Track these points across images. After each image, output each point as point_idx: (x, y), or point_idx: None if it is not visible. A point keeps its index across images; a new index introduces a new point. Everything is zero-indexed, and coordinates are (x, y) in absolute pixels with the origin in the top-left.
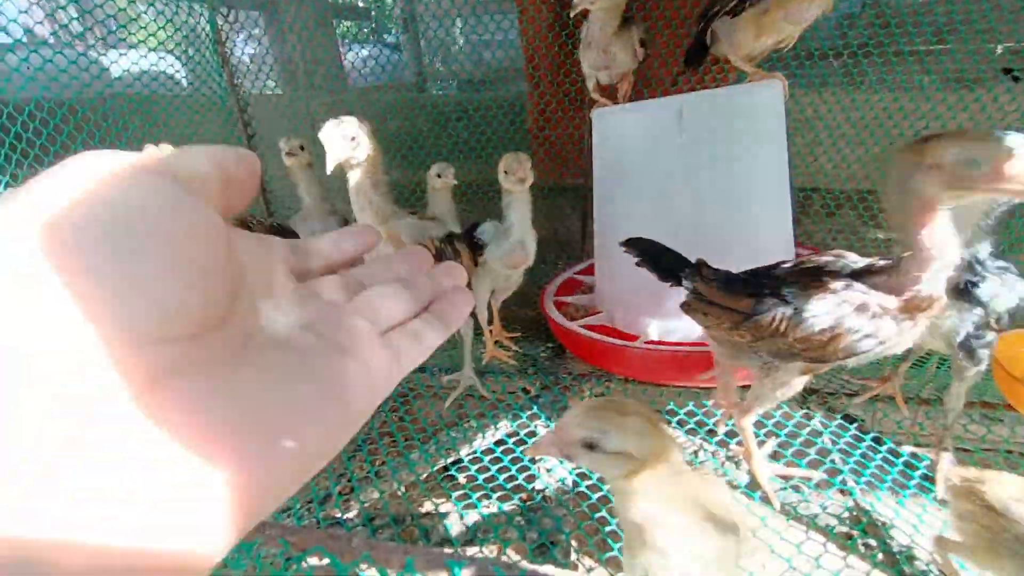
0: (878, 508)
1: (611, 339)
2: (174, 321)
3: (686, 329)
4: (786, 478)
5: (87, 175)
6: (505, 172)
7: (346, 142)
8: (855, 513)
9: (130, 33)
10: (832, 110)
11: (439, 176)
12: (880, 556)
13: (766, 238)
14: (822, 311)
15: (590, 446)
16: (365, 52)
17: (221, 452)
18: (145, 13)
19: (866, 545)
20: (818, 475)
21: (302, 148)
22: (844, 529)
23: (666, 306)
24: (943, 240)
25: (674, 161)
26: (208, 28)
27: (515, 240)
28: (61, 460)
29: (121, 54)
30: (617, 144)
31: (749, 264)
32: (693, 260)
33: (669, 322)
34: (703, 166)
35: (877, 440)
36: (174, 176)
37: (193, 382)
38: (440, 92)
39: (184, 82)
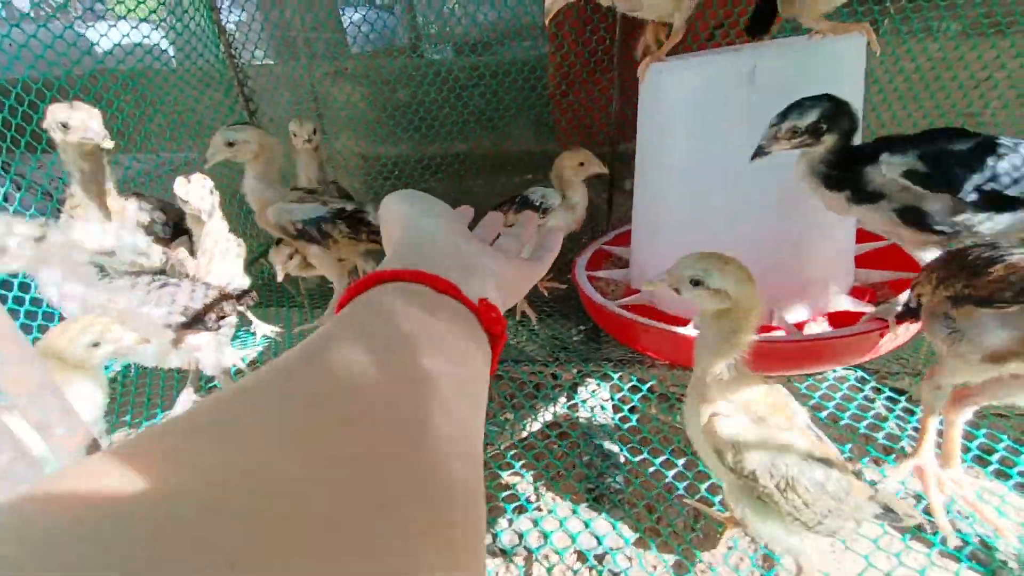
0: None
1: (658, 323)
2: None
3: None
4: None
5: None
6: (581, 164)
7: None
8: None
9: (118, 2)
10: (883, 60)
11: (295, 135)
12: (969, 550)
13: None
14: None
15: (696, 282)
16: (359, 16)
17: (501, 268)
18: None
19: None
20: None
21: (315, 132)
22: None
23: None
24: None
25: (736, 128)
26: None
27: (579, 215)
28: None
29: (110, 25)
30: (671, 104)
31: (816, 237)
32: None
33: None
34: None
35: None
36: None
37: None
38: (451, 57)
39: (178, 55)
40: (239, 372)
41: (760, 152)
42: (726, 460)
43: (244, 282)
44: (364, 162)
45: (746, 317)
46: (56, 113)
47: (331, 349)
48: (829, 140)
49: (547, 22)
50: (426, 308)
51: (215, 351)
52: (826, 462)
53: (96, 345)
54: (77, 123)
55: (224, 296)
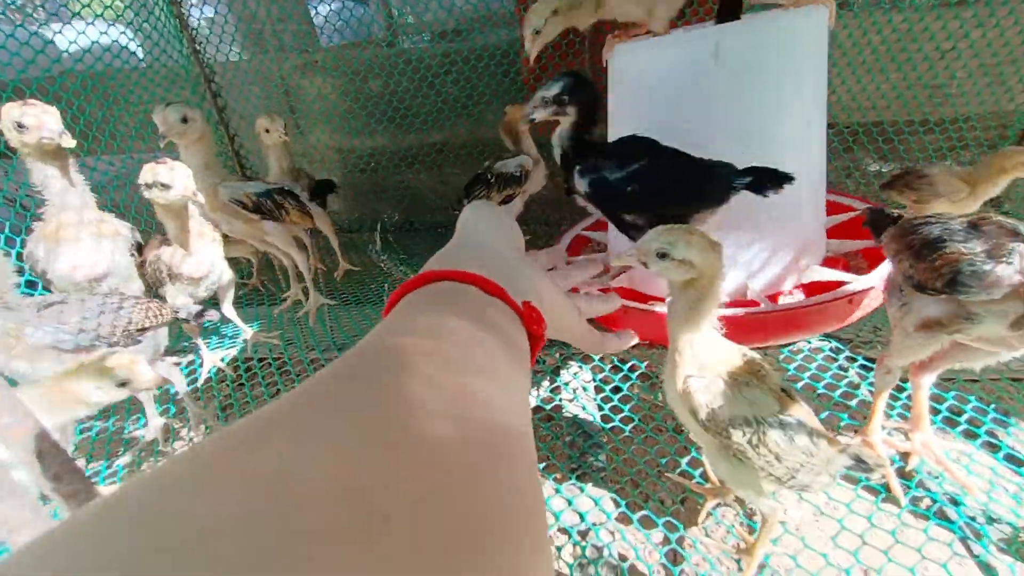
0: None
1: (635, 303)
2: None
3: None
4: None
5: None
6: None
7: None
8: (901, 465)
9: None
10: (849, 33)
11: (266, 131)
12: (936, 508)
13: (803, 181)
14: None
15: (662, 255)
16: (331, 8)
17: (547, 291)
18: None
19: (915, 498)
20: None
21: (285, 128)
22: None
23: None
24: None
25: (705, 102)
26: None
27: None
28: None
29: (65, 24)
30: (637, 84)
31: (788, 211)
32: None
33: None
34: (738, 106)
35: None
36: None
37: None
38: (423, 45)
39: (141, 52)
40: (220, 372)
41: (526, 118)
42: (700, 418)
43: (226, 271)
44: (340, 155)
45: (711, 285)
46: (9, 113)
47: (400, 364)
48: (572, 112)
49: (531, 63)
50: (477, 304)
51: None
52: (797, 419)
53: (123, 385)
54: (32, 121)
55: (152, 312)
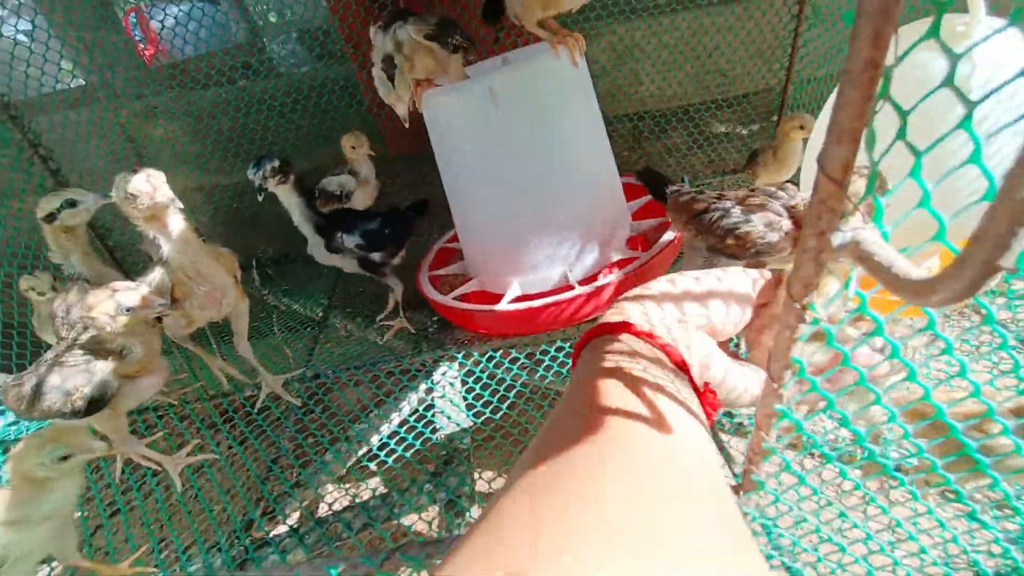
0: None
1: (475, 305)
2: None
3: (541, 281)
4: None
5: None
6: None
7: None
8: None
9: None
10: (646, 36)
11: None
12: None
13: (595, 183)
14: (740, 216)
15: None
16: (180, 12)
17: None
18: None
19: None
20: None
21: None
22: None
23: (520, 263)
24: None
25: (497, 135)
26: None
27: (372, 186)
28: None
29: None
30: (444, 125)
31: (588, 209)
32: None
33: (527, 277)
34: (525, 134)
35: None
36: None
37: None
38: (267, 82)
39: None
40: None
41: (259, 190)
42: None
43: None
44: (203, 194)
45: None
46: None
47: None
48: (291, 181)
49: (406, 125)
50: (670, 378)
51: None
52: None
53: (66, 459)
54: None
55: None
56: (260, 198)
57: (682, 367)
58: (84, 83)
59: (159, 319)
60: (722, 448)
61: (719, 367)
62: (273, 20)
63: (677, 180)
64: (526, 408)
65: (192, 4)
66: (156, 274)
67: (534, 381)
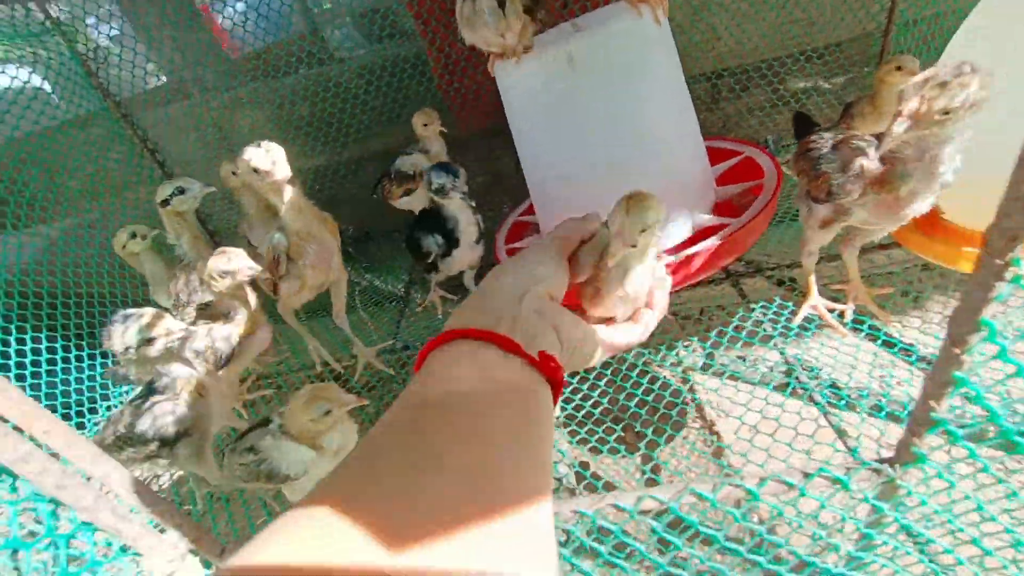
0: (804, 357)
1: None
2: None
3: None
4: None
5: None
6: (425, 125)
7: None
8: (787, 367)
9: None
10: None
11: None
12: (807, 395)
13: (679, 147)
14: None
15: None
16: (240, 6)
17: (569, 333)
18: None
19: (797, 389)
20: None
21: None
22: (781, 381)
23: None
24: None
25: (575, 101)
26: (73, 64)
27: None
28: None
29: None
30: (520, 94)
31: (671, 175)
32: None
33: None
34: (604, 99)
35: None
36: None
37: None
38: (340, 67)
39: (70, 120)
40: None
41: (438, 191)
42: None
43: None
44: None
45: None
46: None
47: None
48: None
49: (515, 60)
50: (494, 365)
51: None
52: None
53: (328, 413)
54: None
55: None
56: (375, 195)
57: (513, 348)
58: (179, 80)
59: (274, 287)
60: (834, 424)
61: (555, 336)
62: (328, 6)
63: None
64: (611, 385)
65: None
66: (276, 235)
67: (624, 354)
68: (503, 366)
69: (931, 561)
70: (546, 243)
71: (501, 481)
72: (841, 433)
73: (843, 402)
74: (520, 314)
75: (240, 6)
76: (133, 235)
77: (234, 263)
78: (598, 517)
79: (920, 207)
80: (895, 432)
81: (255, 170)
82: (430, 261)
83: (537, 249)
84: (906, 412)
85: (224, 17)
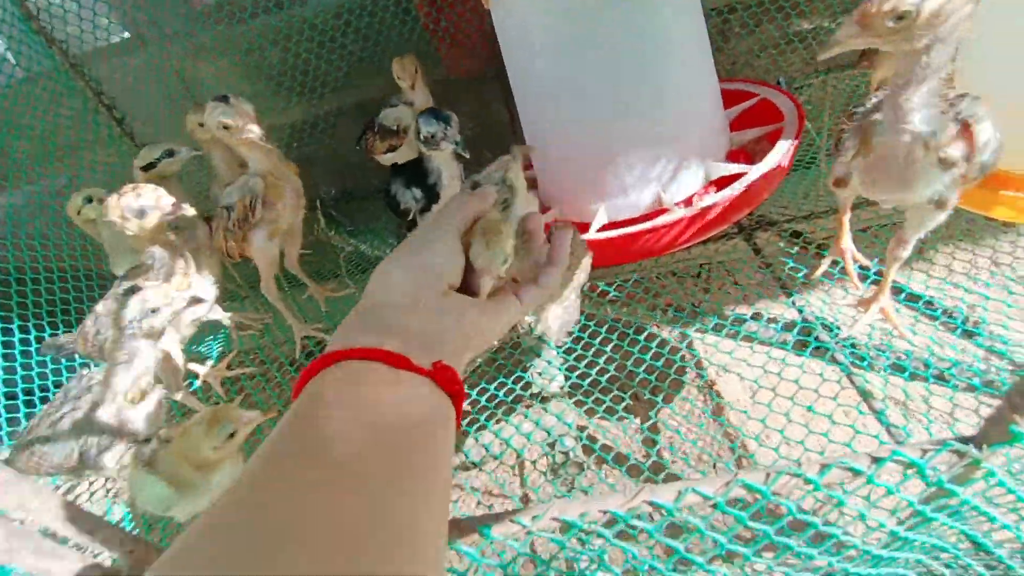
0: (824, 314)
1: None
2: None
3: (632, 205)
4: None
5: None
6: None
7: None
8: (805, 324)
9: None
10: None
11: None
12: (829, 354)
13: (695, 88)
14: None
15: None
16: None
17: (466, 321)
18: None
19: (817, 348)
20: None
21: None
22: (798, 339)
23: (607, 187)
24: None
25: (583, 32)
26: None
27: None
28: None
29: None
30: (519, 24)
31: (686, 119)
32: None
33: (614, 202)
34: (615, 31)
35: (820, 248)
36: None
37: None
38: (312, 7)
39: (15, 72)
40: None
41: (428, 141)
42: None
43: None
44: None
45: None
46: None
47: (292, 461)
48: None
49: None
50: (380, 387)
51: None
52: None
53: (232, 435)
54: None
55: None
56: (359, 147)
57: (403, 364)
58: (135, 25)
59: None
60: (858, 385)
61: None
62: None
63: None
64: (620, 344)
65: None
66: (251, 179)
67: (626, 315)
68: (391, 388)
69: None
70: (439, 225)
71: (366, 554)
72: (866, 395)
73: (865, 362)
74: (413, 324)
75: None
76: (89, 199)
77: (145, 197)
78: (632, 516)
79: (908, 183)
80: (917, 391)
81: (225, 127)
82: (410, 218)
83: (429, 234)
84: (928, 371)
85: None
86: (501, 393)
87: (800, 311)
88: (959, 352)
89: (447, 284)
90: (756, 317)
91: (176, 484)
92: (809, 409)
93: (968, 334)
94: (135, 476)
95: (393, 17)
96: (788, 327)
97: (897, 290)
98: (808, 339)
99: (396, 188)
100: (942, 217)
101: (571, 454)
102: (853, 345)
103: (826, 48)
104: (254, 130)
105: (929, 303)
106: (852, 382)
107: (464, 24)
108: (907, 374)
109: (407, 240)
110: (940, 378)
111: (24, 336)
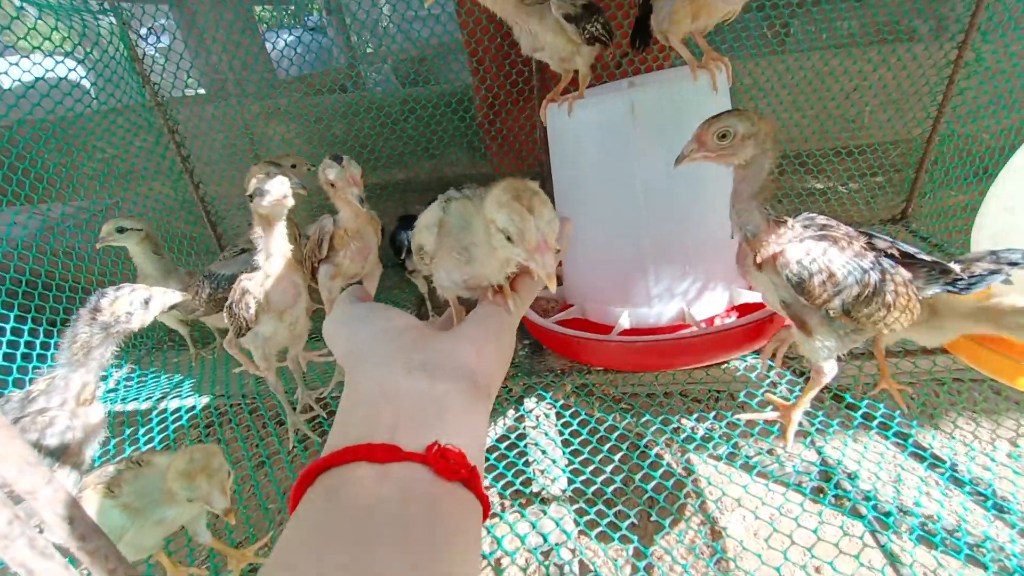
0: (844, 461)
1: (588, 334)
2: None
3: (655, 315)
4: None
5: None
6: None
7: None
8: (824, 469)
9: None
10: (767, 76)
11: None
12: (851, 506)
13: (723, 218)
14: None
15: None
16: (293, 37)
17: (469, 360)
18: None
19: (837, 497)
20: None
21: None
22: (816, 484)
23: (634, 294)
24: None
25: (627, 154)
26: (121, 46)
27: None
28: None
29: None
30: (571, 139)
31: (717, 242)
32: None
33: (639, 310)
34: (656, 158)
35: (837, 397)
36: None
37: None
38: (385, 89)
39: (101, 99)
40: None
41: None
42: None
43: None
44: (307, 198)
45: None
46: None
47: None
48: None
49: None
50: (366, 500)
51: None
52: None
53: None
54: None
55: None
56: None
57: (393, 457)
58: (222, 80)
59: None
60: (883, 544)
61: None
62: (369, 50)
63: None
64: (629, 455)
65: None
66: (328, 223)
67: (638, 426)
68: (383, 489)
69: None
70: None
71: None
72: (893, 558)
73: (891, 518)
74: (402, 392)
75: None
76: (120, 229)
77: (274, 185)
78: None
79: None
80: (951, 563)
81: (332, 184)
82: (402, 258)
83: (365, 305)
84: (961, 540)
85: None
86: (499, 485)
87: (819, 452)
88: (991, 525)
89: (417, 330)
90: (771, 453)
91: (130, 512)
92: (830, 565)
93: (1000, 508)
94: (91, 497)
95: (453, 112)
96: (805, 470)
97: (919, 456)
98: (827, 485)
99: (398, 231)
100: (815, 343)
101: (565, 569)
102: (874, 501)
103: (678, 162)
104: (354, 192)
105: (954, 467)
106: (876, 540)
107: (515, 128)
108: (938, 539)
109: (353, 317)
110: (973, 558)
111: (46, 340)
